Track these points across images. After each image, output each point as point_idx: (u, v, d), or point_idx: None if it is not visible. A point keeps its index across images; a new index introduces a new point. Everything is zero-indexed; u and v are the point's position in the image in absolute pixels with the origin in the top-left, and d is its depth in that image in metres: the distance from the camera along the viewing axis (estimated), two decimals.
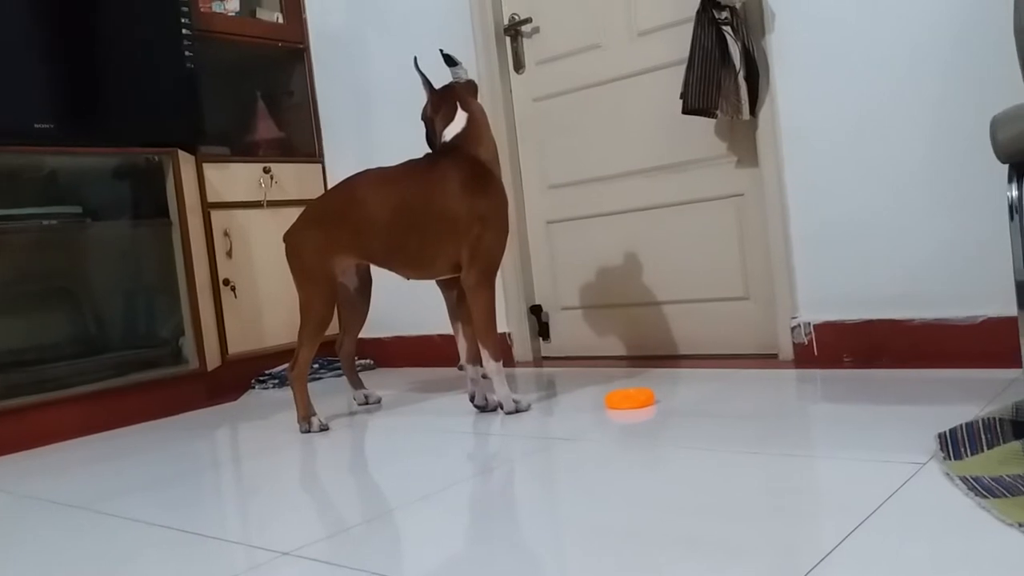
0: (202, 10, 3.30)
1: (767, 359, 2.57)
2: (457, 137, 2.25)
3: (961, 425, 1.41)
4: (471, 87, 2.35)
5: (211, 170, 3.18)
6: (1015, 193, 1.61)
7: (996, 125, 1.58)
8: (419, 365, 3.38)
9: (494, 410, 2.25)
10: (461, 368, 2.35)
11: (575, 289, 3.06)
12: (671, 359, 2.80)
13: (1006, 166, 1.62)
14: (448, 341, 3.13)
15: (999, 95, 1.87)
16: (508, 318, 3.15)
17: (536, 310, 3.17)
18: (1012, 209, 1.61)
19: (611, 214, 2.94)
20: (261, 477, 1.89)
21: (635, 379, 2.49)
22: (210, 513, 1.63)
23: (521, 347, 3.15)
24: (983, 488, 1.19)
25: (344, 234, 2.26)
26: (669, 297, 2.83)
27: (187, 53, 3.03)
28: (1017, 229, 1.61)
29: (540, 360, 3.15)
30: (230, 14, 3.44)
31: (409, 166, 2.29)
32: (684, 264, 2.78)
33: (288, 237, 2.34)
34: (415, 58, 2.36)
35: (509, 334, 3.15)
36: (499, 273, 2.28)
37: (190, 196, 3.03)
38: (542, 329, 3.17)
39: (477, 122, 2.27)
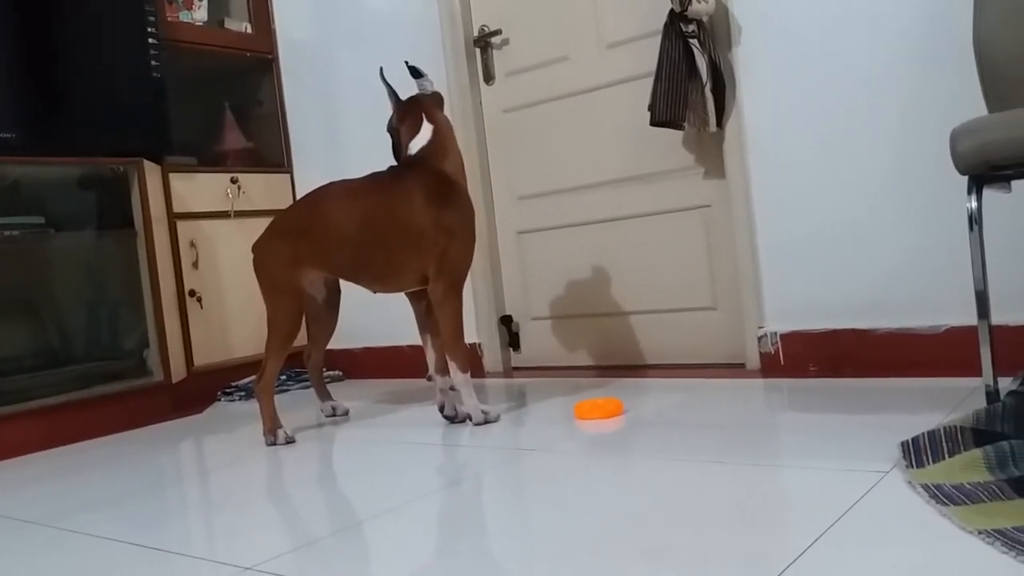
0: (169, 19, 3.27)
1: (734, 368, 2.59)
2: (423, 149, 2.24)
3: (924, 433, 1.43)
4: (437, 99, 2.35)
5: (178, 180, 3.14)
6: (974, 204, 1.64)
7: (955, 137, 1.62)
8: (389, 376, 3.36)
9: (463, 421, 2.24)
10: (430, 379, 2.35)
11: (545, 299, 3.07)
12: (640, 369, 2.81)
13: (966, 178, 1.65)
14: (418, 352, 3.11)
15: (961, 108, 1.91)
16: (478, 328, 3.14)
17: (506, 320, 3.17)
18: (971, 220, 1.64)
19: (580, 225, 2.95)
20: (226, 491, 1.86)
21: (604, 389, 2.49)
22: (174, 528, 1.61)
23: (491, 357, 3.15)
24: (944, 496, 1.21)
25: (310, 247, 2.25)
26: (638, 307, 2.84)
27: (153, 63, 3.00)
28: (977, 240, 1.64)
29: (510, 370, 3.15)
30: (198, 24, 3.42)
31: (374, 179, 2.28)
32: (652, 274, 2.80)
33: (256, 248, 2.33)
34: (381, 69, 2.35)
35: (479, 344, 3.15)
36: (469, 283, 2.28)
37: (156, 206, 3.00)
38: (512, 339, 3.17)
39: (443, 134, 2.27)
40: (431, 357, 2.33)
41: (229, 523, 1.61)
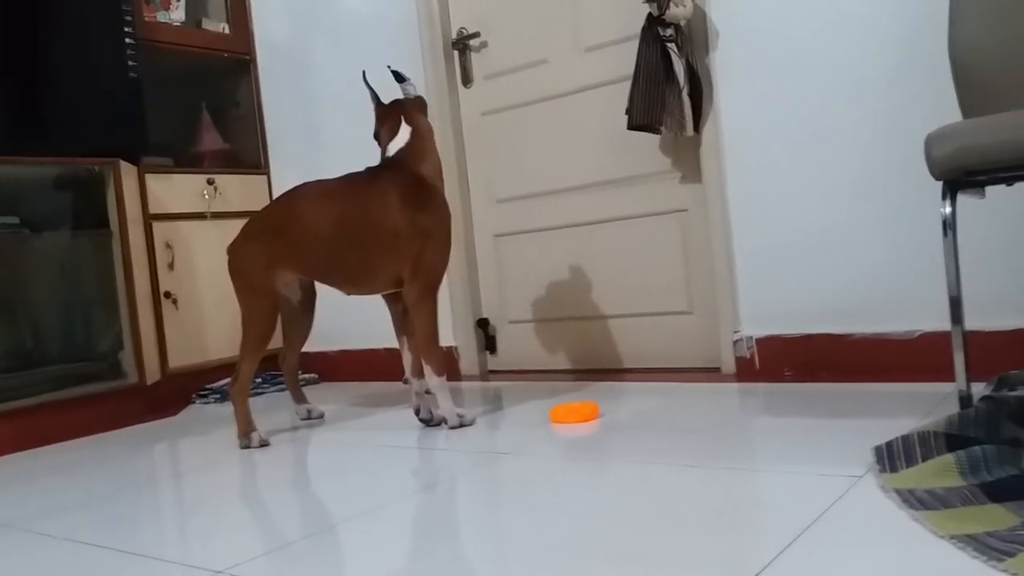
0: (146, 19, 3.24)
1: (710, 372, 2.59)
2: (400, 151, 2.24)
3: (897, 438, 1.44)
4: (419, 103, 2.35)
5: (154, 181, 3.11)
6: (949, 210, 1.65)
7: (930, 143, 1.63)
8: (365, 379, 3.35)
9: (439, 424, 2.23)
10: (406, 382, 2.34)
11: (522, 302, 3.07)
12: (616, 372, 2.81)
13: (940, 183, 1.66)
14: (394, 355, 3.09)
15: (937, 113, 1.93)
16: (455, 331, 3.13)
17: (483, 323, 3.16)
18: (946, 225, 1.65)
19: (558, 228, 2.95)
20: (200, 494, 1.85)
21: (580, 393, 2.49)
22: (147, 532, 1.59)
23: (468, 361, 3.14)
24: (917, 500, 1.22)
25: (284, 248, 2.23)
26: (614, 311, 2.85)
27: (130, 63, 2.97)
28: (951, 245, 1.65)
29: (487, 374, 3.15)
30: (175, 24, 3.39)
31: (349, 180, 2.27)
32: (629, 278, 2.80)
33: (231, 250, 2.31)
34: (363, 72, 2.34)
35: (456, 347, 3.14)
36: (446, 286, 2.27)
37: (131, 207, 2.97)
38: (489, 343, 3.16)
39: (421, 137, 2.26)
40: (407, 360, 2.32)
41: (202, 526, 1.59)
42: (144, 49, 3.06)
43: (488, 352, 3.17)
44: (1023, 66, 1.86)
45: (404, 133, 2.25)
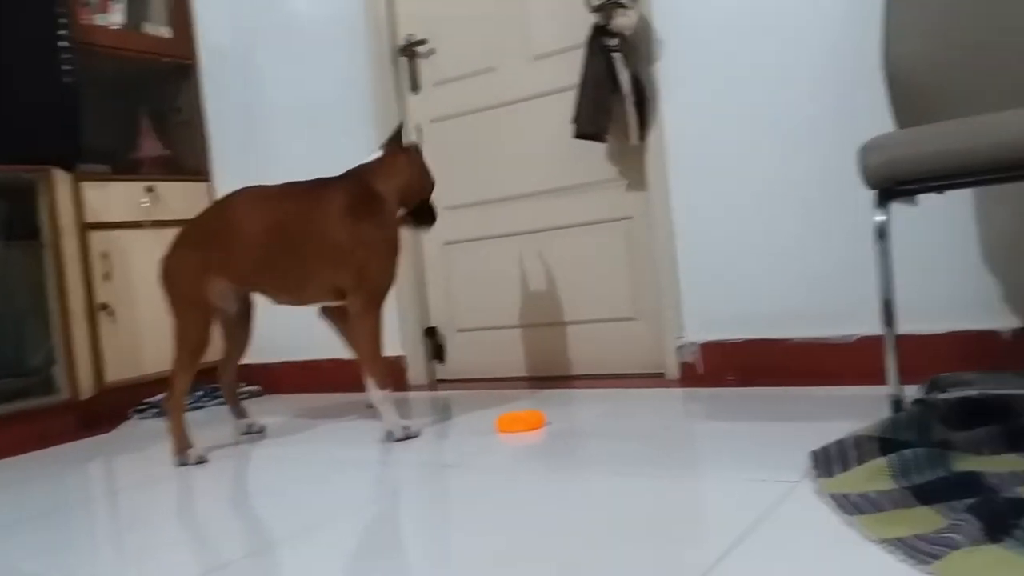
0: (83, 22, 3.15)
1: (655, 378, 2.61)
2: (361, 166, 2.23)
3: (833, 443, 1.45)
4: (409, 146, 2.31)
5: (90, 189, 3.03)
6: (882, 217, 1.68)
7: (864, 153, 1.66)
8: (309, 391, 3.29)
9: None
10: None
11: (471, 311, 3.05)
12: (564, 380, 2.81)
13: (874, 191, 1.70)
14: (338, 365, 3.07)
15: (875, 122, 1.96)
16: (403, 341, 3.10)
17: (431, 332, 3.14)
18: (879, 232, 1.68)
19: (506, 236, 2.94)
20: (135, 513, 1.79)
21: (528, 401, 2.48)
22: (80, 554, 1.53)
23: (416, 370, 3.11)
24: (851, 505, 1.23)
25: (217, 254, 2.19)
26: (562, 318, 2.85)
27: (65, 67, 2.89)
28: (883, 252, 1.69)
29: (435, 383, 3.12)
30: (113, 27, 3.30)
31: (293, 186, 2.24)
32: (576, 285, 2.81)
33: (163, 260, 2.25)
34: (400, 123, 2.35)
35: (403, 357, 3.11)
36: (393, 295, 2.24)
37: (65, 216, 2.88)
38: (437, 352, 3.14)
39: (390, 162, 2.25)
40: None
41: (137, 547, 1.54)
42: (80, 53, 2.98)
43: (437, 361, 3.15)
44: (954, 78, 1.91)
45: (375, 155, 2.27)
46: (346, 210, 2.12)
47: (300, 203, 2.17)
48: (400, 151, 2.27)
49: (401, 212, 2.28)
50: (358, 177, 2.20)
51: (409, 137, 2.32)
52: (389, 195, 2.20)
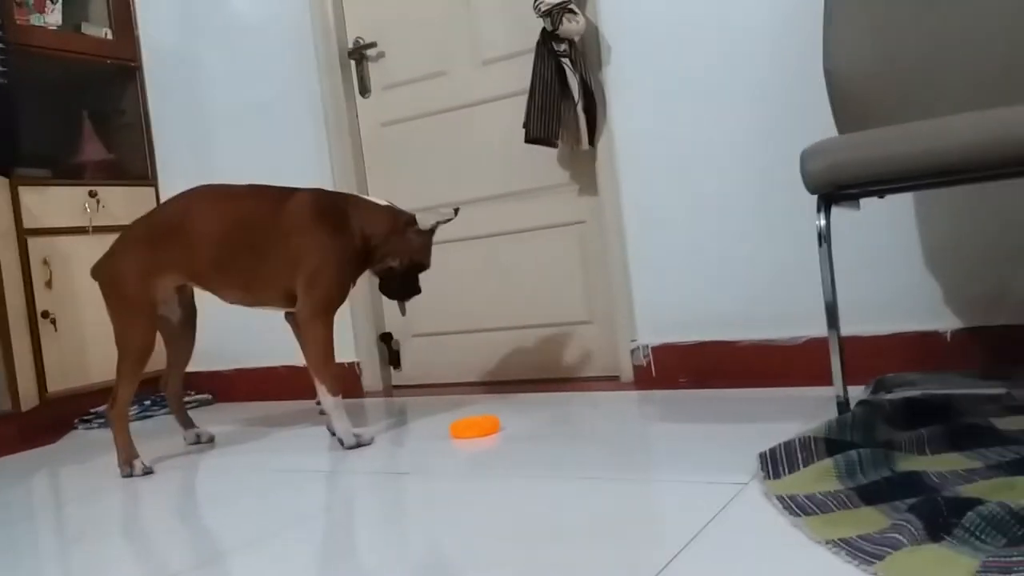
0: (19, 23, 3.07)
1: (609, 381, 2.63)
2: (349, 193, 2.25)
3: (780, 444, 1.48)
4: (404, 218, 2.23)
5: (29, 194, 2.95)
6: (823, 222, 1.71)
7: (805, 159, 1.69)
8: (262, 399, 3.24)
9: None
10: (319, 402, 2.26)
11: (426, 316, 3.03)
12: (520, 384, 2.81)
13: (815, 196, 1.73)
14: (292, 373, 3.03)
15: (817, 129, 2.00)
16: (357, 347, 3.08)
17: (386, 338, 3.11)
18: (820, 236, 1.71)
19: (459, 240, 2.93)
20: (79, 526, 1.74)
21: (483, 406, 2.48)
22: (22, 568, 1.49)
23: (370, 376, 3.09)
24: (797, 506, 1.25)
25: (172, 250, 2.14)
26: (516, 322, 2.85)
27: (0, 68, 2.81)
28: (826, 255, 1.72)
29: (390, 389, 3.10)
30: (51, 28, 3.22)
31: (261, 186, 2.23)
32: (530, 290, 2.81)
33: (103, 264, 2.19)
34: (455, 210, 2.33)
35: (358, 363, 3.08)
36: (349, 300, 2.22)
37: (3, 222, 2.80)
38: (392, 357, 3.12)
39: (359, 200, 2.22)
40: None
41: (83, 561, 1.50)
42: (17, 54, 2.90)
43: (392, 367, 3.13)
44: (894, 83, 1.96)
45: (375, 198, 2.28)
46: (313, 216, 2.12)
47: (268, 202, 2.16)
48: (410, 223, 2.21)
49: (385, 265, 2.24)
50: (337, 196, 2.22)
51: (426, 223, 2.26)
52: (358, 227, 2.16)
